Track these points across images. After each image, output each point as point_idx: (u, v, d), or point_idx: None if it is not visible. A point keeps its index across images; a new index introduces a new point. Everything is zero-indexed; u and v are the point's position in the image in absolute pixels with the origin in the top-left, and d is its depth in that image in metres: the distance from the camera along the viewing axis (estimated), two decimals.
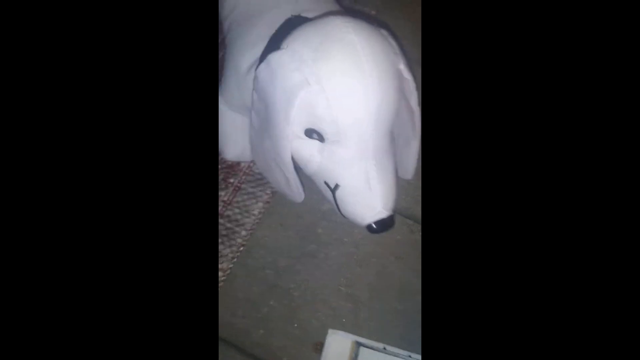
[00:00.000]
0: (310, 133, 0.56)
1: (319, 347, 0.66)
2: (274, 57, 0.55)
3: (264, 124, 0.59)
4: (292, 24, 0.59)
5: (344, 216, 0.61)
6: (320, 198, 0.65)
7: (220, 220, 0.74)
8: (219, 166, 0.78)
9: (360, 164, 0.56)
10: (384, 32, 0.58)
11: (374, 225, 0.58)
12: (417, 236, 0.74)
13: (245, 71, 0.64)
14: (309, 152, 0.57)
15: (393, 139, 0.62)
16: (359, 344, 0.66)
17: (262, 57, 0.58)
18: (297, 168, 0.61)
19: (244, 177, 0.78)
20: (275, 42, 0.57)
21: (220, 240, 0.72)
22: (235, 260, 0.72)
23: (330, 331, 0.67)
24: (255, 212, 0.75)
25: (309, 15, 0.62)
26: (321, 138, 0.56)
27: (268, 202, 0.76)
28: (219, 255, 0.71)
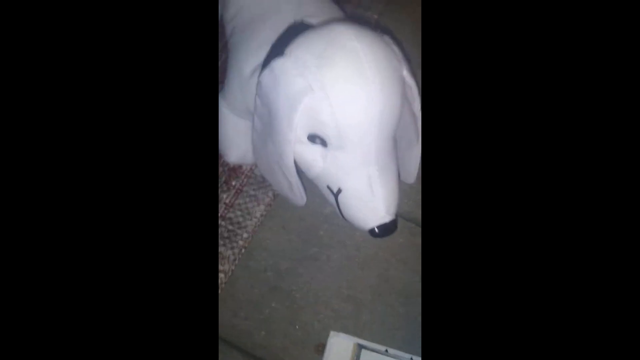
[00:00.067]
0: (313, 138, 0.56)
1: (320, 348, 0.67)
2: (277, 63, 0.55)
3: (266, 128, 0.60)
4: (295, 30, 0.59)
5: (346, 220, 0.61)
6: (322, 201, 0.65)
7: (222, 223, 0.74)
8: (222, 169, 0.78)
9: (363, 168, 0.57)
10: (387, 38, 0.58)
11: (376, 230, 0.59)
12: (419, 239, 0.74)
13: (248, 76, 0.64)
14: (312, 157, 0.58)
15: (396, 143, 0.62)
16: (360, 346, 0.67)
17: (265, 63, 0.58)
18: (300, 171, 0.62)
19: (245, 180, 0.78)
20: (278, 48, 0.58)
21: (222, 242, 0.73)
22: (237, 262, 0.72)
23: (331, 333, 0.68)
24: (257, 214, 0.75)
25: (312, 21, 0.62)
26: (324, 143, 0.56)
27: (270, 205, 0.76)
28: (221, 257, 0.71)
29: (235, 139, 0.73)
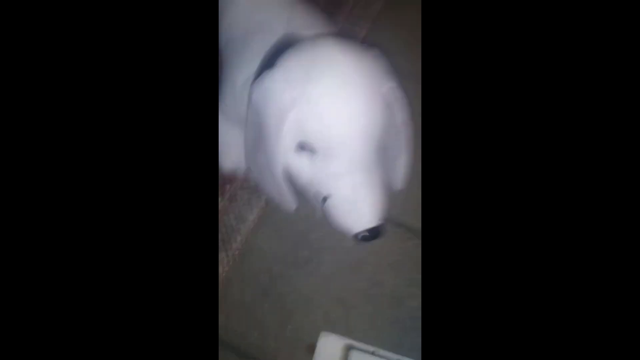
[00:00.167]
0: (301, 147, 0.58)
1: (311, 349, 0.69)
2: (267, 75, 0.57)
3: (257, 138, 0.62)
4: (286, 43, 0.61)
5: (334, 226, 0.63)
6: (313, 207, 0.67)
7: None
8: None
9: (349, 176, 0.59)
10: (374, 51, 0.60)
11: (362, 234, 0.61)
12: (407, 244, 0.76)
13: (241, 86, 0.67)
14: (301, 165, 0.60)
15: (383, 152, 0.64)
16: (350, 347, 0.69)
17: (257, 74, 0.60)
18: (290, 178, 0.64)
19: (239, 185, 0.80)
20: (269, 60, 0.60)
21: None
22: (231, 265, 0.74)
23: (322, 334, 0.69)
24: (250, 219, 0.77)
25: (303, 33, 0.64)
26: (312, 152, 0.59)
27: (263, 210, 0.78)
28: None
29: (229, 147, 0.75)
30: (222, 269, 0.73)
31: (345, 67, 0.55)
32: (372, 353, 0.68)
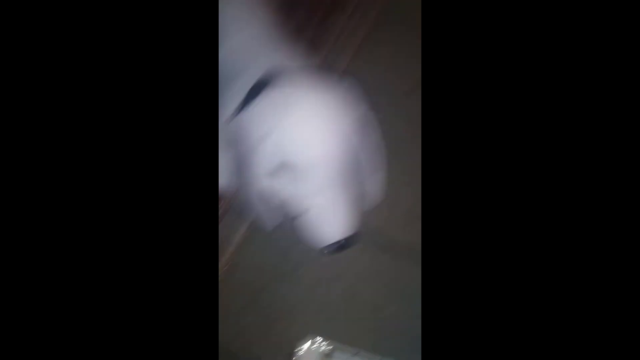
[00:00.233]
0: (278, 169, 0.65)
1: (294, 353, 0.74)
2: (249, 108, 0.65)
3: (239, 164, 0.69)
4: (270, 75, 0.68)
5: (306, 242, 0.69)
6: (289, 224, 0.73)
7: None
8: None
9: (320, 195, 0.66)
10: (350, 80, 0.68)
11: (328, 247, 0.68)
12: (385, 255, 0.82)
13: (228, 117, 0.73)
14: (278, 187, 0.67)
15: (357, 170, 0.71)
16: (332, 349, 0.74)
17: (242, 104, 0.68)
18: (267, 199, 0.70)
19: (228, 203, 0.86)
20: (254, 92, 0.67)
21: None
22: (220, 279, 0.80)
23: (305, 338, 0.75)
24: (237, 236, 0.84)
25: (287, 64, 0.71)
26: (289, 174, 0.65)
27: (247, 229, 0.85)
28: None
29: (221, 167, 0.82)
30: None
31: (316, 100, 0.64)
32: (355, 353, 0.74)
